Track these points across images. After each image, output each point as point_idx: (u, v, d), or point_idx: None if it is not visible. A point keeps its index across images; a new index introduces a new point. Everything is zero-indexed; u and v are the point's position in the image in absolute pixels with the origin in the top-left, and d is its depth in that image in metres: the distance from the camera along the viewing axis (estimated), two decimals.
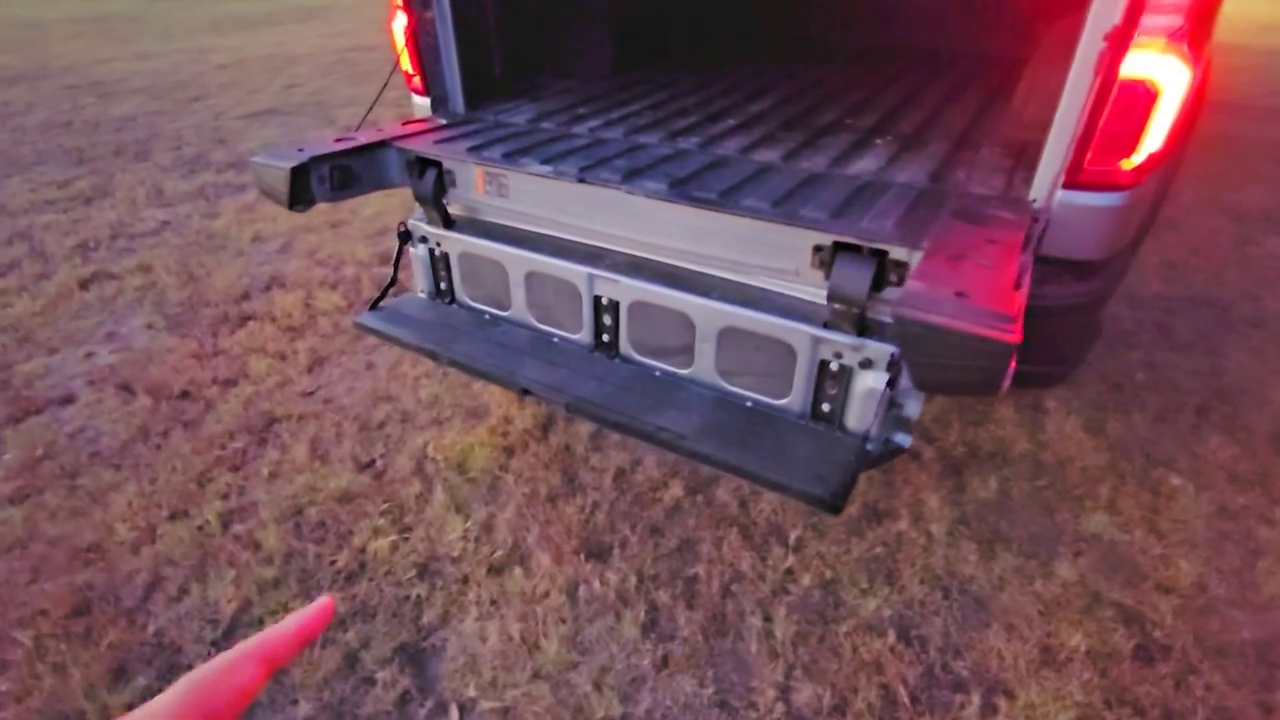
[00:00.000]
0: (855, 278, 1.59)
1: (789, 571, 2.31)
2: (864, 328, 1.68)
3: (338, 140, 2.23)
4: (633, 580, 2.30)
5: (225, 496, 2.68)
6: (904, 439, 1.82)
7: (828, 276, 1.66)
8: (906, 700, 1.93)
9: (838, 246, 1.62)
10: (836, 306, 1.66)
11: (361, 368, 3.43)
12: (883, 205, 1.72)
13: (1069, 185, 1.65)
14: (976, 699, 1.92)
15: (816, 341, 1.74)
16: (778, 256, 1.74)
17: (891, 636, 2.09)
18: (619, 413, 1.86)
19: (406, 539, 2.48)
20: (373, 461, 2.84)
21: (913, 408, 1.77)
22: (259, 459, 2.87)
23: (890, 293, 1.62)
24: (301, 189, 2.08)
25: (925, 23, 3.97)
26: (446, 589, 2.30)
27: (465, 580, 2.33)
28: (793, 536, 2.43)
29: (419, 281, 2.55)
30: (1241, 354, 3.35)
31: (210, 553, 2.45)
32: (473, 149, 2.19)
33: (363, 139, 2.25)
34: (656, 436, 1.79)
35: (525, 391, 2.02)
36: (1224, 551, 2.34)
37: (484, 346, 2.19)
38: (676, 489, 2.63)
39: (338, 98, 8.44)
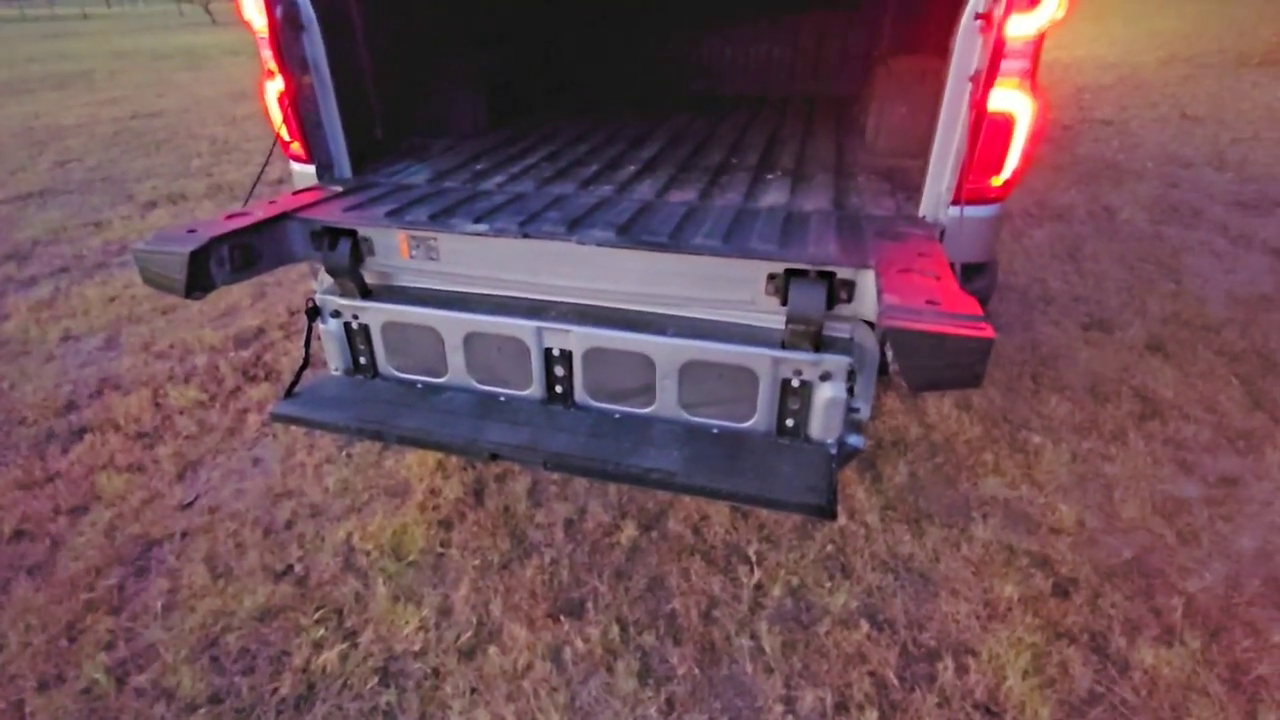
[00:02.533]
0: (811, 299, 1.75)
1: (758, 586, 2.41)
2: (819, 344, 1.84)
3: (230, 217, 2.02)
4: (615, 630, 2.26)
5: (110, 646, 2.24)
6: (859, 440, 2.00)
7: (784, 301, 1.80)
8: (895, 681, 2.09)
9: (790, 273, 1.78)
10: (794, 327, 1.80)
11: (247, 465, 3.05)
12: (815, 232, 1.91)
13: (954, 201, 1.95)
14: (950, 663, 2.13)
15: (778, 363, 1.87)
16: (733, 288, 1.86)
17: (865, 626, 2.25)
18: (602, 461, 1.86)
19: (356, 645, 2.24)
20: (290, 567, 2.53)
21: (865, 411, 1.96)
22: (144, 593, 2.44)
23: (842, 309, 1.80)
24: (200, 274, 1.86)
25: (757, 73, 4.44)
26: (418, 688, 2.11)
27: (436, 673, 2.15)
28: (751, 552, 2.53)
29: (333, 360, 2.35)
30: (1046, 327, 4.05)
31: (109, 718, 2.03)
32: (392, 213, 2.10)
33: (260, 214, 2.07)
34: (647, 479, 1.82)
35: (494, 457, 1.95)
36: (1086, 490, 2.81)
37: (430, 417, 2.08)
38: (630, 529, 2.63)
39: (131, 171, 7.48)
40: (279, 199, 2.24)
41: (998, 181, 1.96)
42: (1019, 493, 2.79)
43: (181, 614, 2.35)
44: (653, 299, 1.97)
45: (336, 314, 2.25)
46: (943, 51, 2.75)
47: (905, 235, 1.89)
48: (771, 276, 1.81)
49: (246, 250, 2.00)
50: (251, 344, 4.00)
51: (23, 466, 3.04)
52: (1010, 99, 1.85)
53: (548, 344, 2.06)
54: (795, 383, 1.90)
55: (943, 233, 2.01)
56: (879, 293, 1.50)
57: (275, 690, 2.10)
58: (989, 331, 1.33)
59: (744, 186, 2.42)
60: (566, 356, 2.06)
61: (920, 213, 2.07)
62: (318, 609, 2.36)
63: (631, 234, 1.90)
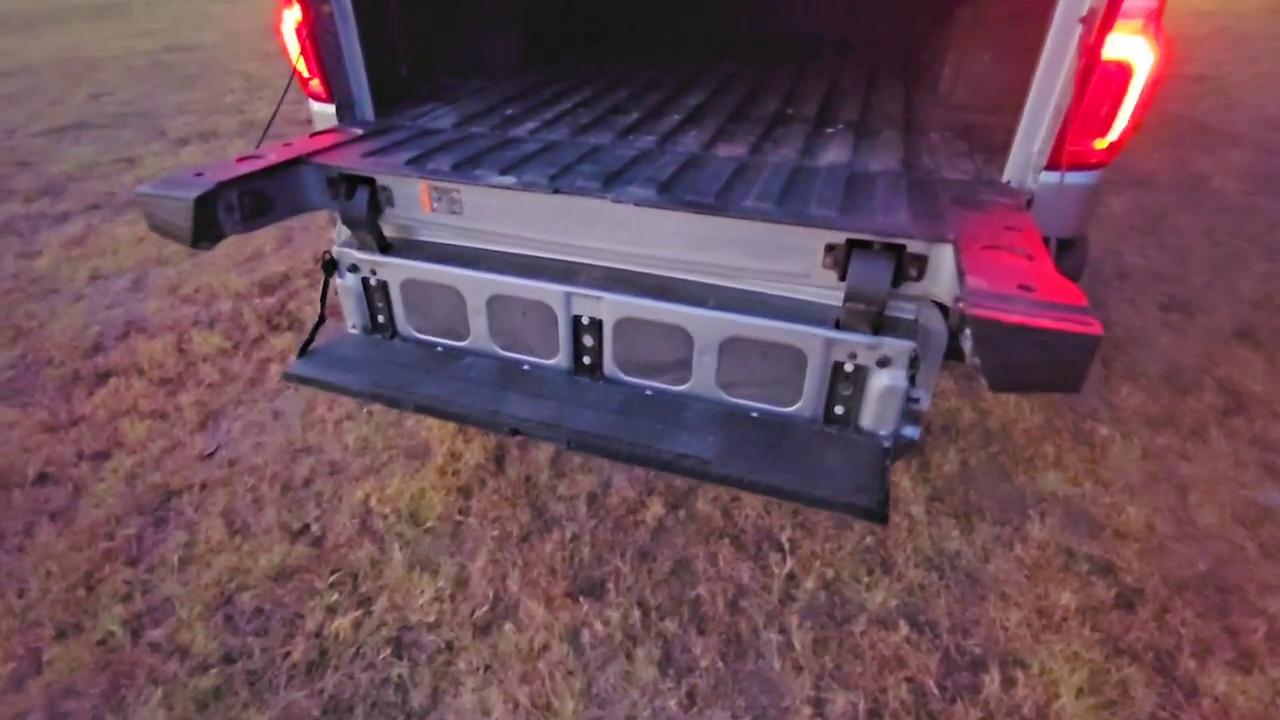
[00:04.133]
0: (874, 275, 1.54)
1: (791, 577, 2.26)
2: (879, 325, 1.63)
3: (242, 160, 1.87)
4: (636, 614, 2.15)
5: (127, 598, 2.21)
6: (914, 431, 1.81)
7: (842, 276, 1.59)
8: (935, 690, 1.94)
9: (852, 244, 1.56)
10: (852, 306, 1.60)
11: (267, 417, 2.99)
12: (883, 197, 1.68)
13: (1050, 166, 1.69)
14: (996, 675, 1.96)
15: (830, 344, 1.67)
16: (785, 259, 1.65)
17: (904, 628, 2.09)
18: (630, 444, 1.70)
19: (370, 612, 2.17)
20: (307, 527, 2.47)
21: (924, 401, 1.75)
22: (161, 545, 2.40)
23: (909, 287, 1.59)
24: (207, 222, 1.72)
25: (816, 13, 4.06)
26: (431, 662, 2.03)
27: (450, 648, 2.07)
28: (784, 539, 2.38)
29: (350, 317, 2.22)
30: (1121, 306, 3.73)
31: (123, 671, 2.01)
32: (413, 161, 1.92)
33: (273, 157, 1.91)
34: (678, 465, 1.66)
35: (515, 432, 1.81)
36: (1158, 491, 2.57)
37: (449, 384, 1.94)
38: (656, 507, 2.50)
39: (164, 106, 7.40)
40: (294, 141, 2.07)
41: (1102, 144, 1.69)
42: (1082, 490, 2.57)
43: (198, 569, 2.31)
44: (694, 267, 1.77)
45: (354, 268, 2.10)
46: None
47: (988, 204, 1.65)
48: (830, 247, 1.59)
49: (258, 197, 1.85)
50: (276, 291, 3.92)
51: (49, 408, 3.02)
52: (1129, 45, 1.56)
53: (576, 311, 1.89)
54: (849, 367, 1.70)
55: (1030, 201, 1.76)
56: (960, 274, 1.28)
57: (287, 654, 2.05)
58: (1096, 327, 1.11)
59: (801, 141, 2.17)
60: (596, 325, 1.89)
61: (1005, 177, 1.81)
62: (333, 572, 2.29)
63: (674, 193, 1.70)
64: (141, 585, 2.25)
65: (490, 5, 2.96)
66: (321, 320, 2.12)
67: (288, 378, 2.03)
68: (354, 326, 2.22)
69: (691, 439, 1.72)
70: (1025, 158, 1.75)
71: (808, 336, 1.68)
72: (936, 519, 2.46)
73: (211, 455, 2.78)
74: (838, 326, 1.67)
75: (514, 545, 2.37)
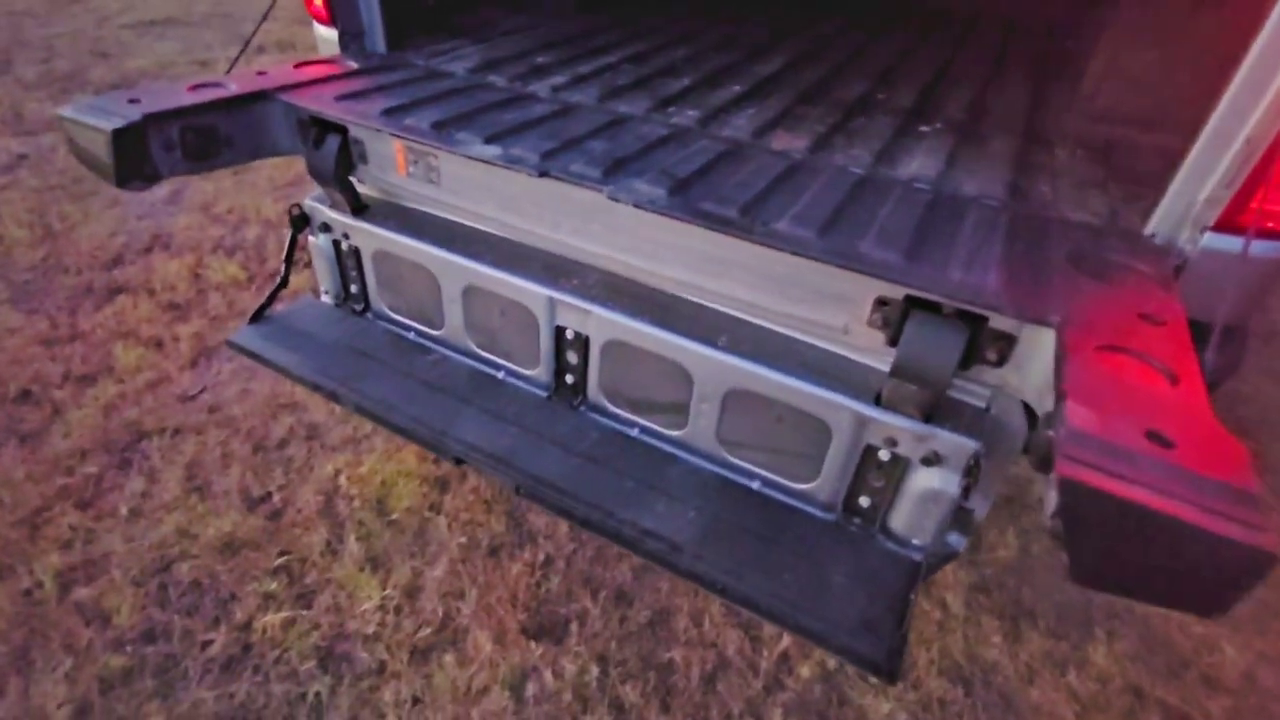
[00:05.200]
0: (937, 350, 1.11)
1: (784, 658, 1.91)
2: (934, 409, 1.21)
3: (196, 88, 1.57)
4: (594, 671, 1.85)
5: (67, 546, 2.08)
6: (959, 541, 1.39)
7: (893, 341, 1.18)
8: None
9: (911, 302, 1.14)
10: (901, 384, 1.18)
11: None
12: (969, 239, 1.23)
13: (1223, 224, 1.20)
14: None
15: (863, 423, 1.27)
16: (819, 306, 1.24)
17: None
18: (589, 503, 1.36)
19: (307, 609, 1.96)
20: (268, 495, 2.27)
21: (981, 511, 1.33)
22: (117, 491, 2.25)
23: (982, 372, 1.16)
24: (135, 159, 1.44)
25: None
26: (357, 684, 1.81)
27: (382, 670, 1.84)
28: None
29: (323, 281, 1.94)
30: (1256, 377, 3.07)
31: (40, 630, 1.87)
32: (390, 111, 1.58)
33: (235, 87, 1.61)
34: (640, 545, 1.31)
35: (459, 461, 1.50)
36: (1270, 630, 2.05)
37: (402, 386, 1.64)
38: None
39: (250, 10, 7.27)
40: (271, 70, 1.76)
41: None
42: (1168, 611, 2.08)
43: (146, 525, 2.15)
44: (706, 294, 1.38)
45: (326, 228, 1.81)
46: None
47: (1119, 270, 1.18)
48: (882, 301, 1.17)
49: (207, 133, 1.56)
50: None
51: (51, 319, 2.93)
52: None
53: (561, 321, 1.54)
54: (884, 454, 1.29)
55: (1180, 269, 1.27)
56: (1058, 391, 0.85)
57: (208, 645, 1.86)
58: (1270, 537, 0.69)
59: (881, 139, 1.70)
60: (582, 342, 1.54)
61: (1148, 229, 1.32)
62: (281, 554, 2.09)
63: (688, 196, 1.30)
64: (85, 534, 2.11)
65: None
66: (283, 283, 1.84)
67: (230, 345, 1.78)
68: (325, 292, 1.95)
69: (667, 511, 1.36)
70: (1185, 206, 1.26)
71: (837, 408, 1.28)
72: (977, 616, 2.04)
73: (194, 398, 2.62)
74: (878, 402, 1.26)
75: (479, 558, 2.11)
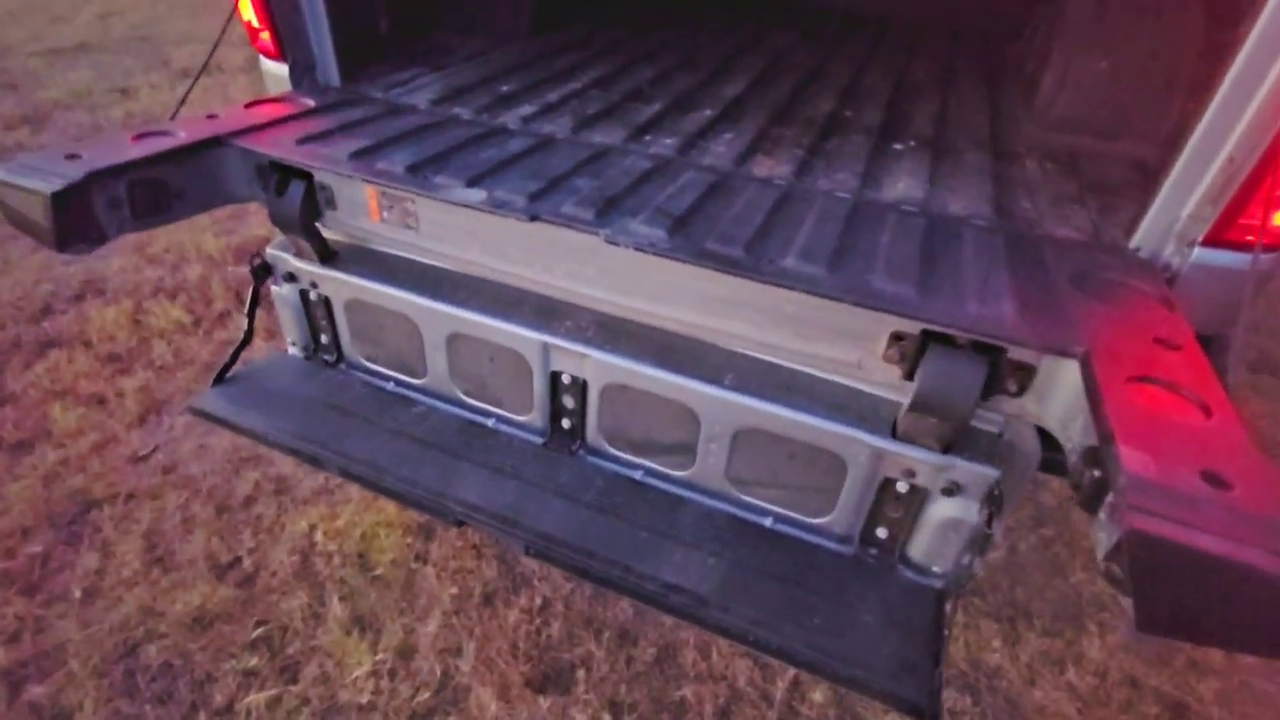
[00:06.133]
0: (957, 384, 1.11)
1: (795, 684, 1.89)
2: (952, 440, 1.21)
3: (140, 138, 1.45)
4: (605, 719, 1.79)
5: (14, 639, 1.90)
6: (978, 563, 1.39)
7: (909, 375, 1.16)
8: None
9: (928, 336, 1.12)
10: (919, 417, 1.17)
11: None
12: (974, 265, 1.23)
13: (1216, 237, 1.23)
14: None
15: (880, 457, 1.25)
16: (833, 342, 1.22)
17: None
18: (605, 559, 1.31)
19: (294, 683, 1.83)
20: (238, 560, 2.13)
21: (998, 534, 1.33)
22: (67, 570, 2.07)
23: (1002, 402, 1.15)
24: (78, 221, 1.32)
25: None
26: None
27: None
28: None
29: (289, 333, 1.83)
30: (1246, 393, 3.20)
31: None
32: (360, 154, 1.49)
33: (185, 135, 1.49)
34: (666, 601, 1.26)
35: (461, 523, 1.42)
36: None
37: (391, 444, 1.55)
38: None
39: (171, 33, 6.92)
40: (223, 113, 1.64)
41: None
42: None
43: (104, 606, 1.98)
44: (708, 333, 1.35)
45: (291, 277, 1.70)
46: None
47: (1122, 291, 1.19)
48: (897, 336, 1.16)
49: (157, 188, 1.44)
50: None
51: None
52: None
53: (556, 366, 1.48)
54: (902, 486, 1.28)
55: (1171, 283, 1.30)
56: (1105, 434, 0.85)
57: None
58: None
59: (861, 160, 1.70)
60: (579, 386, 1.48)
61: (1133, 243, 1.35)
62: (259, 625, 1.95)
63: (691, 236, 1.26)
64: (35, 623, 1.93)
65: None
66: (247, 339, 1.72)
67: (193, 411, 1.65)
68: (293, 345, 1.83)
69: (685, 560, 1.32)
70: (1169, 222, 1.29)
71: (852, 443, 1.26)
72: (976, 621, 2.07)
73: (146, 458, 2.44)
74: (894, 434, 1.24)
75: (474, 608, 2.02)
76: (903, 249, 1.26)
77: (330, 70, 1.95)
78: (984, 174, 1.67)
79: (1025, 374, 1.11)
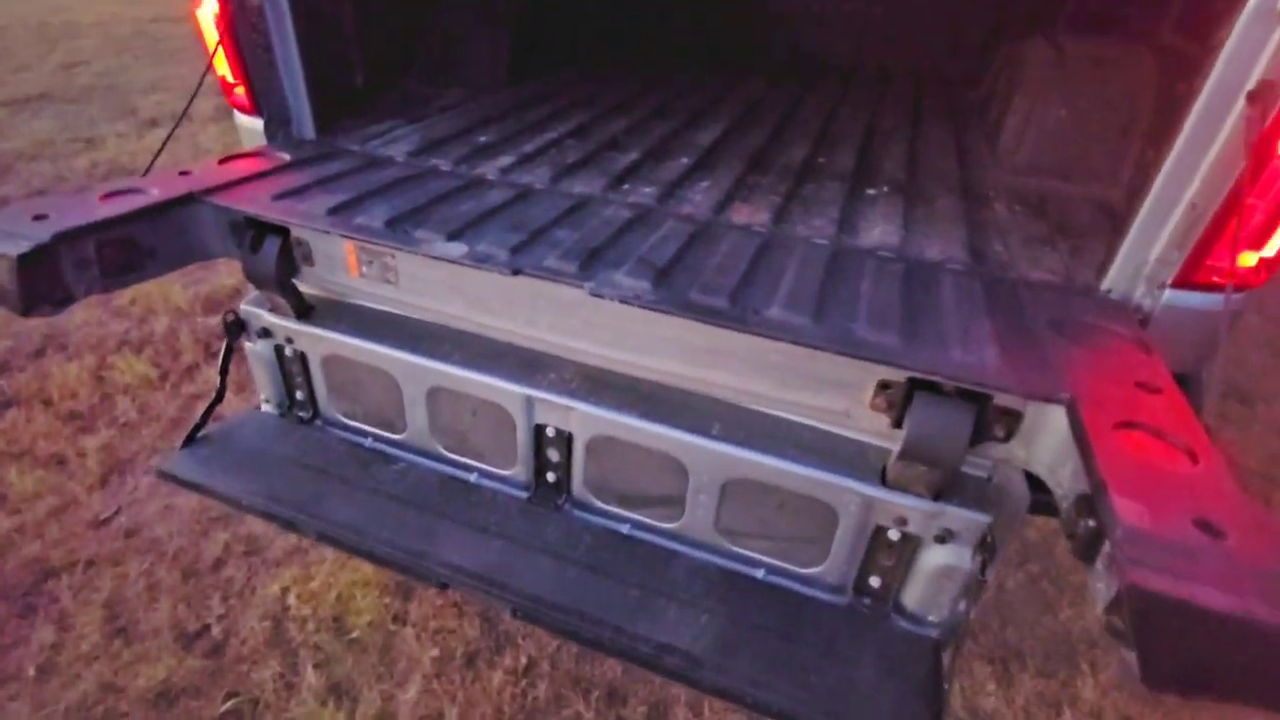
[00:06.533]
0: (946, 431, 1.11)
1: None
2: (942, 487, 1.20)
3: (109, 197, 1.42)
4: None
5: None
6: (970, 608, 1.37)
7: (897, 423, 1.16)
8: None
9: (915, 384, 1.13)
10: (908, 465, 1.17)
11: None
12: (956, 311, 1.25)
13: (1179, 284, 1.26)
14: None
15: (871, 504, 1.24)
16: (819, 392, 1.22)
17: None
18: (596, 621, 1.26)
19: None
20: (206, 629, 2.03)
21: (990, 576, 1.32)
22: (21, 646, 1.95)
23: (991, 448, 1.16)
24: (45, 284, 1.28)
25: (849, 33, 3.61)
26: None
27: None
28: None
29: (263, 390, 1.78)
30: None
31: None
32: (337, 209, 1.47)
33: (157, 192, 1.46)
34: (659, 663, 1.23)
35: (445, 586, 1.37)
36: None
37: (370, 504, 1.50)
38: None
39: (137, 81, 6.89)
40: (196, 168, 1.62)
41: (1250, 260, 1.26)
42: None
43: (60, 684, 1.86)
44: (694, 383, 1.34)
45: (266, 333, 1.66)
46: (1140, 34, 1.99)
47: (1100, 335, 1.22)
48: (885, 386, 1.16)
49: (128, 247, 1.40)
50: (222, 309, 3.45)
51: None
52: None
53: (541, 419, 1.46)
54: (894, 534, 1.27)
55: (1142, 325, 1.33)
56: (1098, 484, 0.85)
57: None
58: None
59: (837, 206, 1.73)
60: (565, 439, 1.45)
61: (1104, 285, 1.38)
62: (228, 698, 1.85)
63: (675, 287, 1.26)
64: None
65: (475, 4, 2.51)
66: (219, 398, 1.67)
67: (161, 474, 1.58)
68: (267, 402, 1.78)
69: (679, 619, 1.28)
70: (1138, 265, 1.33)
71: (842, 492, 1.25)
72: (969, 663, 2.04)
73: (107, 522, 2.33)
74: (883, 482, 1.24)
75: (456, 671, 1.94)
76: (884, 296, 1.28)
77: (305, 123, 1.95)
78: (956, 218, 1.71)
79: (1012, 420, 1.11)
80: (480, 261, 1.31)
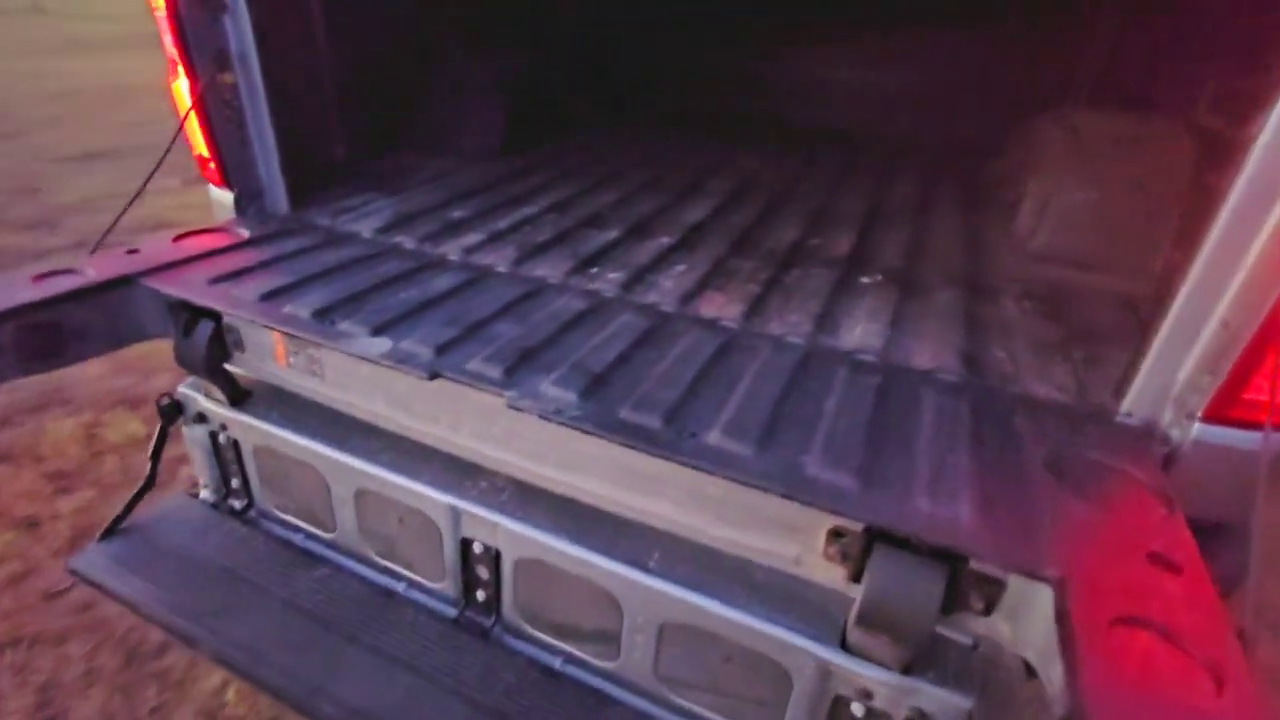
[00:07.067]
0: (910, 594, 0.91)
1: None
2: (911, 661, 0.99)
3: (41, 279, 1.36)
4: None
5: None
6: None
7: (855, 576, 0.97)
8: None
9: (873, 534, 0.93)
10: (869, 633, 0.96)
11: None
12: (930, 444, 1.06)
13: (1213, 418, 1.05)
14: None
15: (828, 673, 1.03)
16: (764, 533, 1.04)
17: None
18: None
19: None
20: None
21: None
22: None
23: (967, 620, 0.95)
24: None
25: (861, 104, 3.49)
26: None
27: None
28: None
29: (200, 475, 1.68)
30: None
31: None
32: (270, 295, 1.38)
33: (93, 273, 1.40)
34: None
35: None
36: None
37: (278, 621, 1.36)
38: None
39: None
40: (145, 245, 1.57)
41: None
42: None
43: None
44: (626, 509, 1.17)
45: (202, 418, 1.56)
46: (1171, 111, 1.80)
47: (1106, 477, 1.01)
48: (838, 534, 0.97)
49: (51, 332, 1.33)
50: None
51: None
52: None
53: (467, 533, 1.30)
54: (858, 709, 1.06)
55: (1170, 458, 1.11)
56: (1078, 710, 0.64)
57: None
58: None
59: (820, 300, 1.57)
60: (493, 556, 1.29)
61: (1125, 407, 1.17)
62: None
63: (606, 400, 1.11)
64: None
65: (466, 77, 2.48)
66: (148, 486, 1.58)
67: (72, 572, 1.48)
68: (205, 488, 1.68)
69: None
70: (1164, 385, 1.12)
71: (795, 651, 1.05)
72: None
73: (62, 594, 2.24)
74: (844, 646, 1.03)
75: None
76: (849, 419, 1.10)
77: (278, 198, 1.91)
78: (955, 316, 1.52)
79: (993, 589, 0.91)
80: (399, 362, 1.19)
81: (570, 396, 1.10)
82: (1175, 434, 1.12)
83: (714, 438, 1.03)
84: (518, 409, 1.09)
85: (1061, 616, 0.76)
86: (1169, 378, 1.12)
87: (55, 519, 2.51)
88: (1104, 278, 1.73)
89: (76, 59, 11.88)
